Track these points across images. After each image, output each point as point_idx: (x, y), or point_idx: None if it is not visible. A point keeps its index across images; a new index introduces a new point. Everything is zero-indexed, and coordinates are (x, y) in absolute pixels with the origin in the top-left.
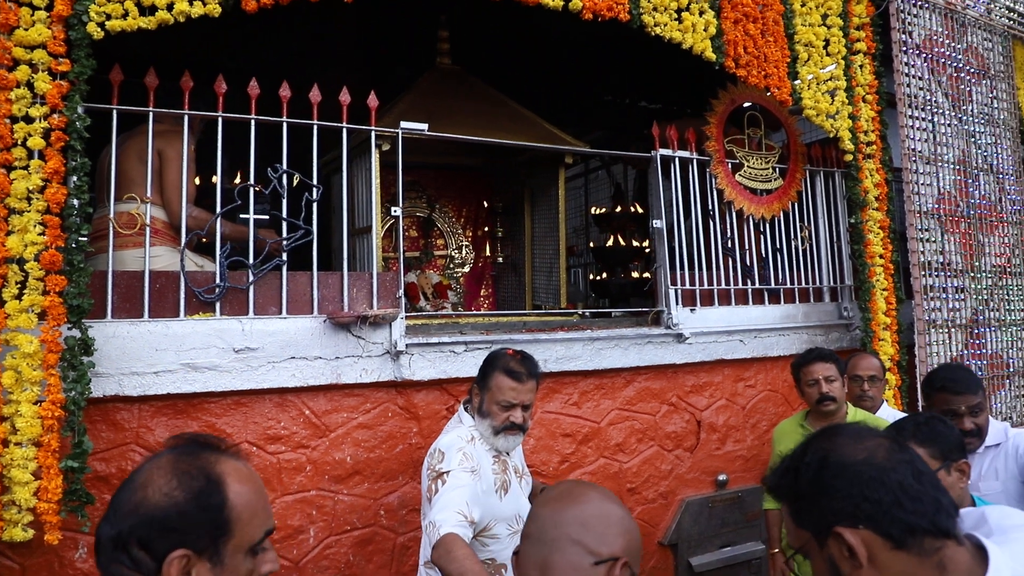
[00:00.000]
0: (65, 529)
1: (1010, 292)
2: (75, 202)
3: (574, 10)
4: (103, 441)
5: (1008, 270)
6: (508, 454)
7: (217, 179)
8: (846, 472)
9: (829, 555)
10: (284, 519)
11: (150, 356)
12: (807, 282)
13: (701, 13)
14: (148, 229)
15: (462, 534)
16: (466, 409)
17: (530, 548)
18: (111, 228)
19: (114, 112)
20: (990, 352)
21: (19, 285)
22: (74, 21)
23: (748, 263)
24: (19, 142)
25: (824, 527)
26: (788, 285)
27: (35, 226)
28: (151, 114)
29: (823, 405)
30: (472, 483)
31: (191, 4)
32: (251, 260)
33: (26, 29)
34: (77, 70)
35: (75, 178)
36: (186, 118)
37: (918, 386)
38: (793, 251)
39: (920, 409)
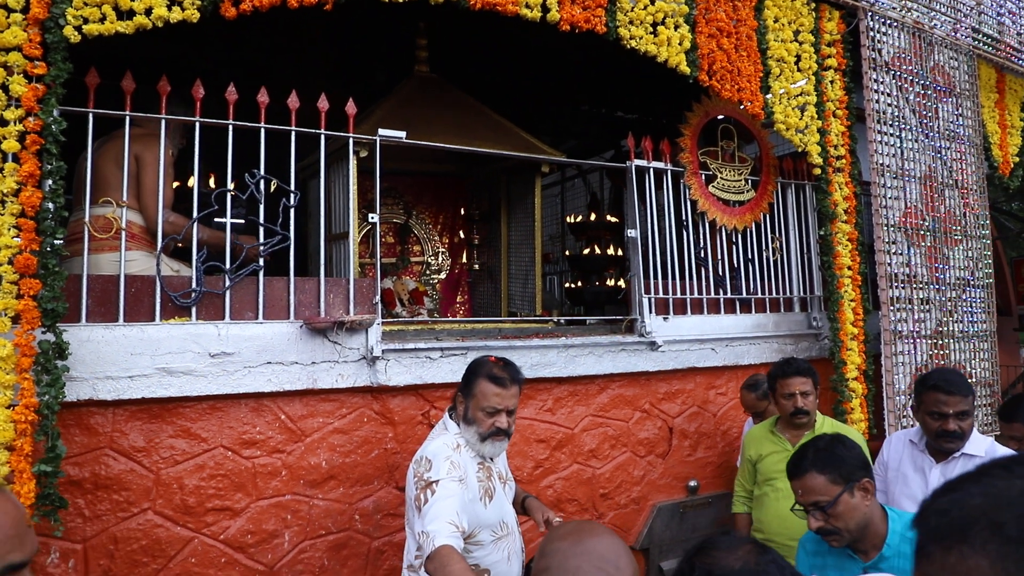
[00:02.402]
0: (37, 534)
1: (973, 304)
2: (50, 205)
3: (552, 22)
4: (77, 445)
5: (971, 283)
6: (492, 460)
7: (194, 183)
8: None
9: None
10: (259, 523)
11: (125, 360)
12: (778, 292)
13: (676, 27)
14: (124, 233)
15: (455, 544)
16: (451, 416)
17: None
18: (86, 232)
19: (90, 116)
20: (954, 362)
21: None
22: (50, 24)
23: (720, 273)
24: None
25: None
26: (759, 295)
27: (9, 229)
28: (128, 118)
29: (796, 418)
30: (460, 492)
31: (169, 9)
32: (228, 265)
33: (1, 31)
34: (53, 73)
35: (50, 181)
36: (163, 122)
37: (884, 395)
38: (764, 262)
39: (905, 411)
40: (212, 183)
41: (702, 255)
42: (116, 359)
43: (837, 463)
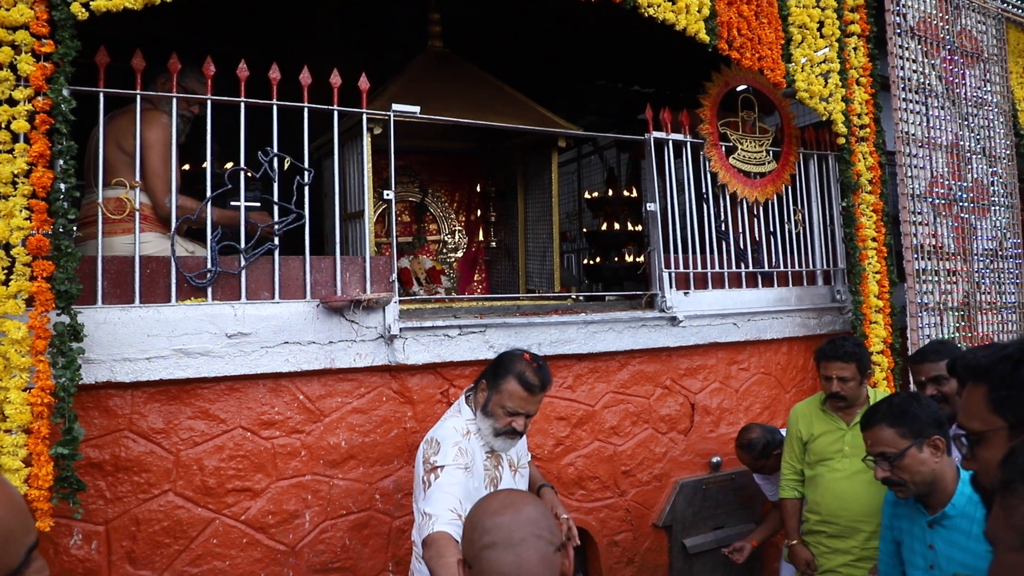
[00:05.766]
0: (58, 516)
1: (1001, 275)
2: (62, 186)
3: None
4: (96, 428)
5: (999, 253)
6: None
7: (207, 164)
8: None
9: None
10: (280, 504)
11: (142, 342)
12: (800, 265)
13: None
14: (137, 214)
15: (454, 532)
16: (467, 400)
17: (500, 554)
18: (99, 213)
19: (101, 95)
20: (981, 335)
21: (5, 271)
22: (57, 1)
23: (742, 246)
24: (3, 125)
25: None
26: (781, 268)
27: (21, 211)
28: (138, 97)
29: (832, 401)
30: (465, 480)
31: None
32: (242, 245)
33: (8, 9)
34: (61, 51)
35: (61, 162)
36: (174, 101)
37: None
38: (786, 234)
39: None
40: (223, 164)
41: (723, 228)
42: (133, 341)
43: (909, 419)
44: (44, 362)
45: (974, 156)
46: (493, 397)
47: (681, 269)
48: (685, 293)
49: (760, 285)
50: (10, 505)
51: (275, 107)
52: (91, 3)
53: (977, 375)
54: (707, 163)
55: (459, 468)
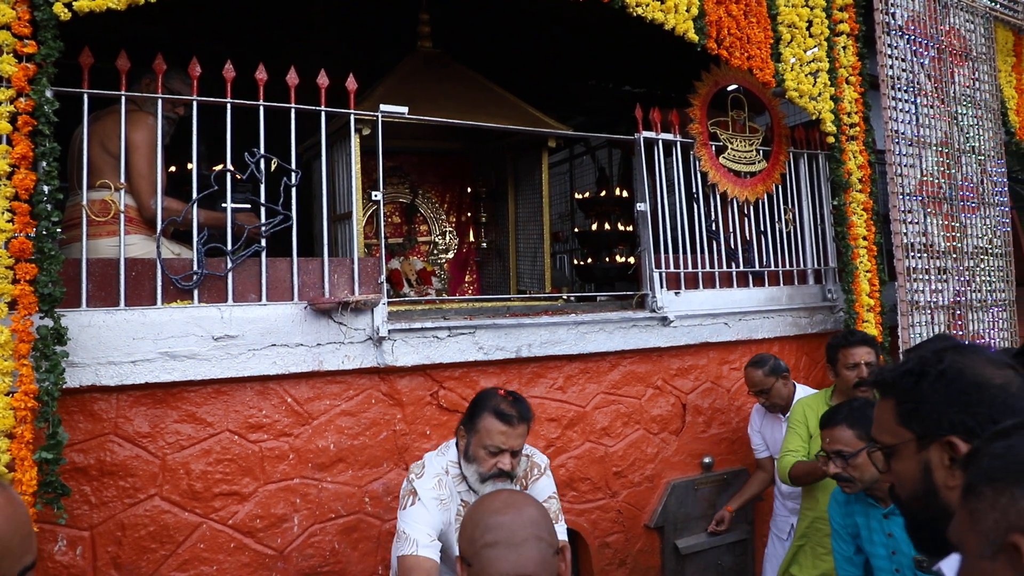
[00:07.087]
0: (42, 521)
1: (991, 273)
2: (45, 188)
3: None
4: (81, 432)
5: (989, 251)
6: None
7: (193, 166)
8: (982, 391)
9: (926, 459)
10: (268, 508)
11: (127, 345)
12: (791, 264)
13: None
14: (122, 216)
15: (431, 554)
16: (456, 444)
17: (501, 552)
18: (84, 216)
19: (85, 96)
20: (972, 333)
21: None
22: (39, 1)
23: (732, 246)
24: None
25: (935, 432)
26: (772, 268)
27: (3, 213)
28: (123, 99)
29: (859, 389)
30: (438, 513)
31: None
32: (229, 246)
33: None
34: (44, 52)
35: (44, 163)
36: (160, 102)
37: None
38: (777, 234)
39: None
40: (210, 165)
41: (713, 228)
42: (118, 344)
43: (866, 423)
44: (27, 366)
45: (963, 154)
46: (473, 439)
47: (672, 269)
48: (676, 293)
49: (751, 285)
50: (13, 520)
51: (261, 108)
52: (74, 3)
53: (884, 389)
54: (697, 163)
55: (434, 500)
